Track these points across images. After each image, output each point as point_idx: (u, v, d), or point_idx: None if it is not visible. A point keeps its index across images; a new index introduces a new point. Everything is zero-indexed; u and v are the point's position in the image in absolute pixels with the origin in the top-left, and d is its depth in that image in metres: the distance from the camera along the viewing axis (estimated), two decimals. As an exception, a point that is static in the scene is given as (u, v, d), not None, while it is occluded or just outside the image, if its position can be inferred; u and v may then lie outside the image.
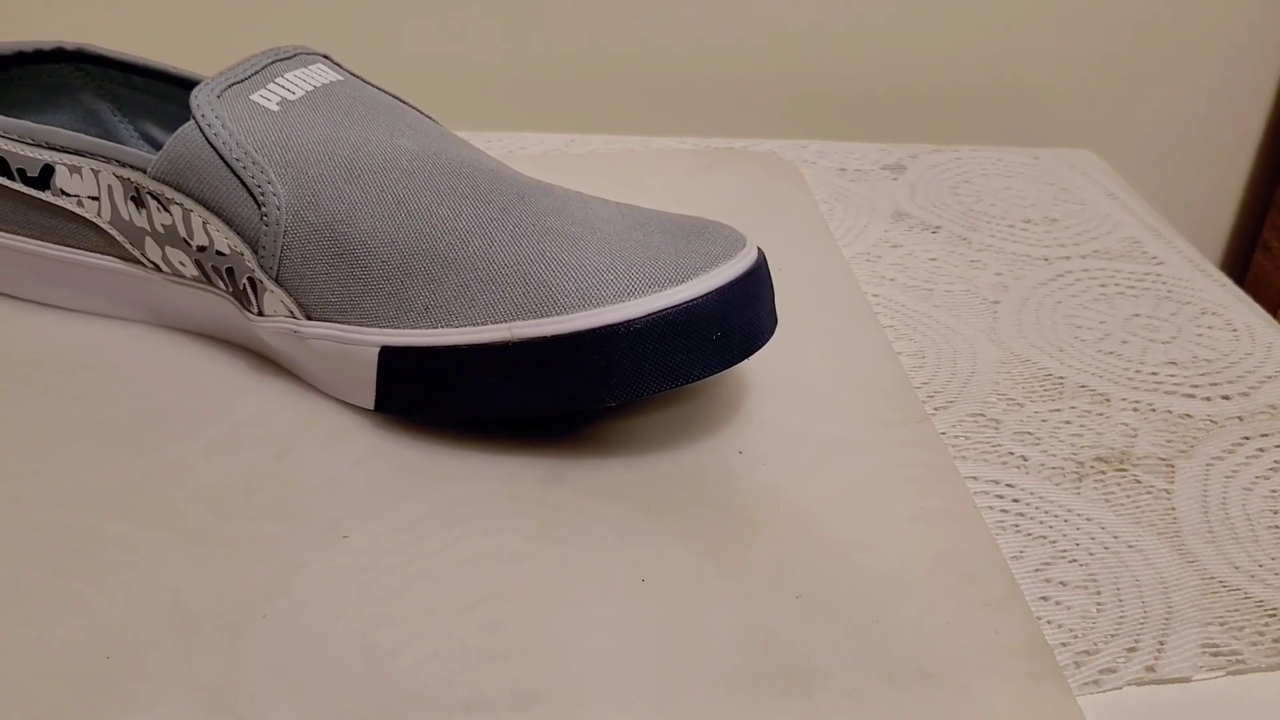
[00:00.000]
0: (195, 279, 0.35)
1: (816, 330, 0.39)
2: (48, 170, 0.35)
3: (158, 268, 0.36)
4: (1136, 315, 0.43)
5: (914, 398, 0.36)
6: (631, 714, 0.25)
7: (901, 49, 0.65)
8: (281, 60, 0.36)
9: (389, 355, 0.32)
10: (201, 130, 0.33)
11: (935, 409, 0.36)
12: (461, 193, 0.33)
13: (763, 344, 0.32)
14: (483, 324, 0.31)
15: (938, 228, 0.49)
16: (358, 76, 0.37)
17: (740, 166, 0.53)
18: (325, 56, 0.37)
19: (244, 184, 0.33)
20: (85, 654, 0.25)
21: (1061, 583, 0.29)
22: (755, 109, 0.66)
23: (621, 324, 0.30)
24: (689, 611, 0.27)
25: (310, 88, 0.35)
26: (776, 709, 0.25)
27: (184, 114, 0.42)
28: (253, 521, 0.30)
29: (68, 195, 0.36)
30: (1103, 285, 0.45)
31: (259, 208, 0.32)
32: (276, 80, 0.35)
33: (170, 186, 0.34)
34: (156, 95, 0.42)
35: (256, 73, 0.35)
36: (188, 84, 0.41)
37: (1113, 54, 0.67)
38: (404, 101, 0.37)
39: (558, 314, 0.30)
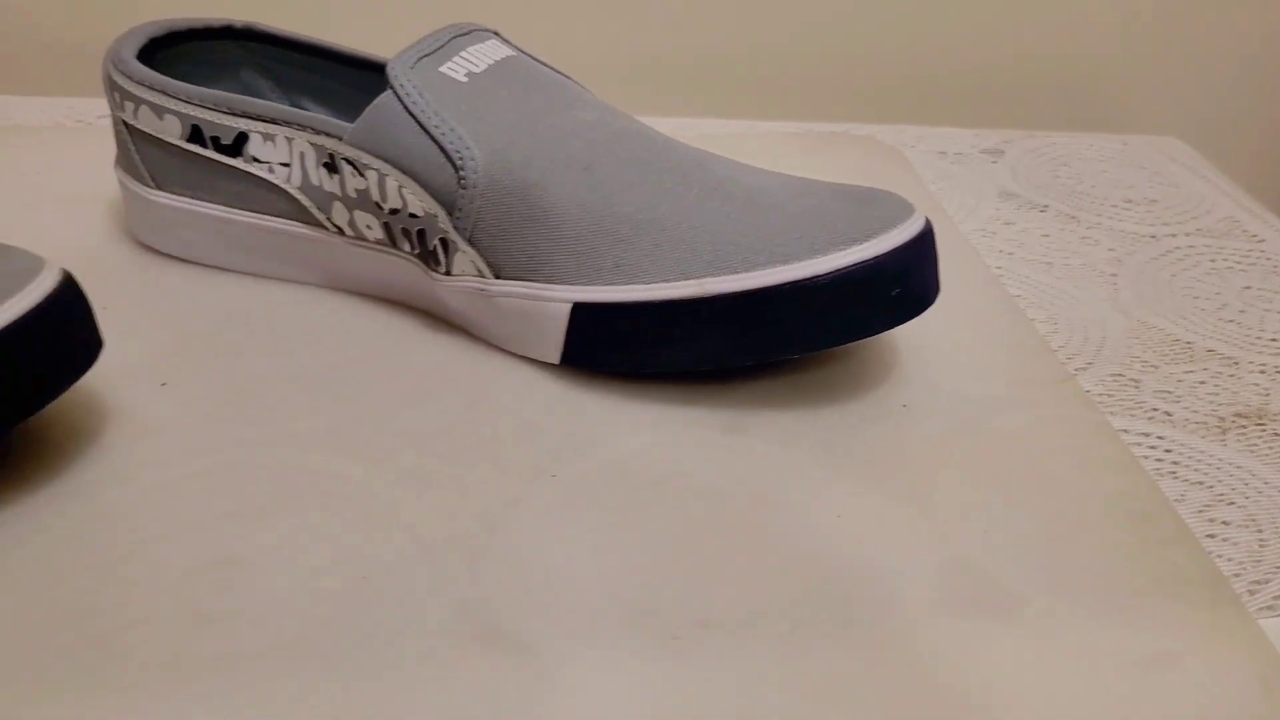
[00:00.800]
0: (379, 242, 0.37)
1: (953, 299, 0.41)
2: (241, 137, 0.37)
3: (340, 231, 0.38)
4: (1248, 288, 0.45)
5: (1056, 359, 0.38)
6: (850, 631, 0.26)
7: (984, 35, 0.67)
8: (461, 35, 0.38)
9: (580, 310, 0.34)
10: (400, 99, 0.35)
11: (1076, 370, 0.38)
12: (643, 160, 0.35)
13: (931, 303, 0.34)
14: (674, 280, 0.33)
15: (1045, 206, 0.51)
16: (524, 52, 0.39)
17: (846, 149, 0.55)
18: (495, 33, 0.39)
19: (443, 150, 0.35)
20: (339, 575, 0.27)
21: (1224, 522, 0.31)
22: (846, 94, 0.68)
23: (809, 279, 0.32)
24: (886, 545, 0.29)
25: (491, 61, 0.37)
26: (982, 631, 0.27)
27: (339, 89, 0.44)
28: (460, 462, 0.31)
29: (259, 162, 0.38)
30: (1211, 260, 0.47)
31: (457, 172, 0.34)
32: (460, 54, 0.37)
33: (367, 152, 0.36)
34: (312, 71, 0.44)
35: (441, 47, 0.37)
36: (343, 59, 0.43)
37: (1194, 40, 0.69)
38: (564, 75, 0.39)
39: (747, 270, 0.32)
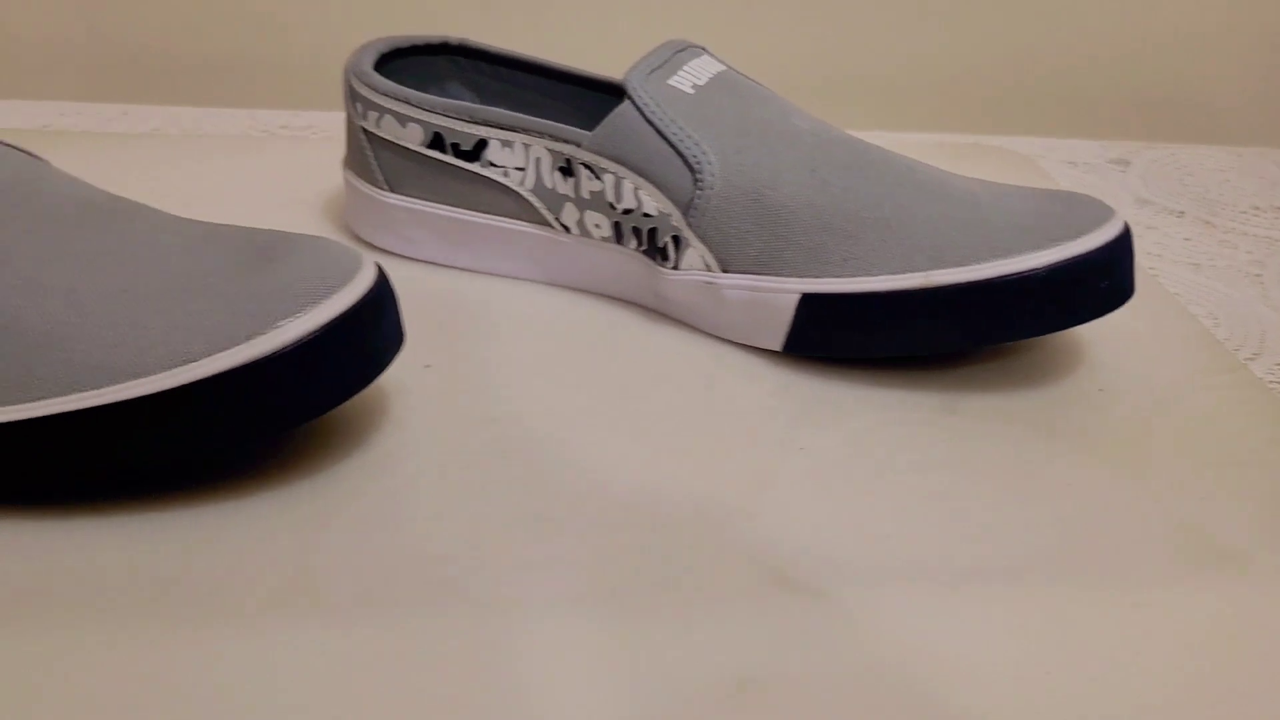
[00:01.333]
0: (605, 239, 0.41)
1: (1121, 294, 0.44)
2: (481, 144, 0.41)
3: (566, 229, 0.42)
4: (1387, 288, 0.48)
5: (1225, 349, 0.41)
6: (1094, 590, 0.30)
7: (1103, 50, 0.71)
8: (680, 51, 0.41)
9: (809, 301, 0.37)
10: (639, 109, 0.39)
11: (1244, 359, 0.41)
12: (860, 164, 0.38)
13: (1131, 296, 0.37)
14: (901, 273, 0.36)
15: (1181, 212, 0.54)
16: (731, 68, 0.43)
17: (983, 159, 0.58)
18: (705, 49, 0.43)
19: (681, 155, 0.38)
20: (633, 531, 0.30)
21: None
22: (973, 106, 0.71)
23: (1028, 272, 0.35)
24: (1114, 508, 0.32)
25: (710, 75, 0.41)
26: (1216, 583, 0.30)
27: (538, 99, 0.47)
28: (715, 435, 0.35)
29: (495, 166, 0.41)
30: (1347, 263, 0.50)
31: (694, 175, 0.38)
32: (683, 68, 0.40)
33: (605, 157, 0.39)
34: (514, 84, 0.48)
35: (666, 61, 0.40)
36: (544, 72, 0.47)
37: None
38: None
39: (971, 264, 0.36)
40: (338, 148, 0.54)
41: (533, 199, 0.41)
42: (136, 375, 0.28)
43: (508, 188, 0.42)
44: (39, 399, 0.28)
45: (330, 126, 0.59)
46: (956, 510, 0.32)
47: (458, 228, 0.43)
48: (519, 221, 0.42)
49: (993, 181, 0.40)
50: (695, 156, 0.38)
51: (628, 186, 0.39)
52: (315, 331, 0.29)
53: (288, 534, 0.29)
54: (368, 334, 0.31)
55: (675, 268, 0.39)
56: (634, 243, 0.40)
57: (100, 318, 0.29)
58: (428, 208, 0.43)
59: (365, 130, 0.43)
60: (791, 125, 0.39)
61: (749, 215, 0.38)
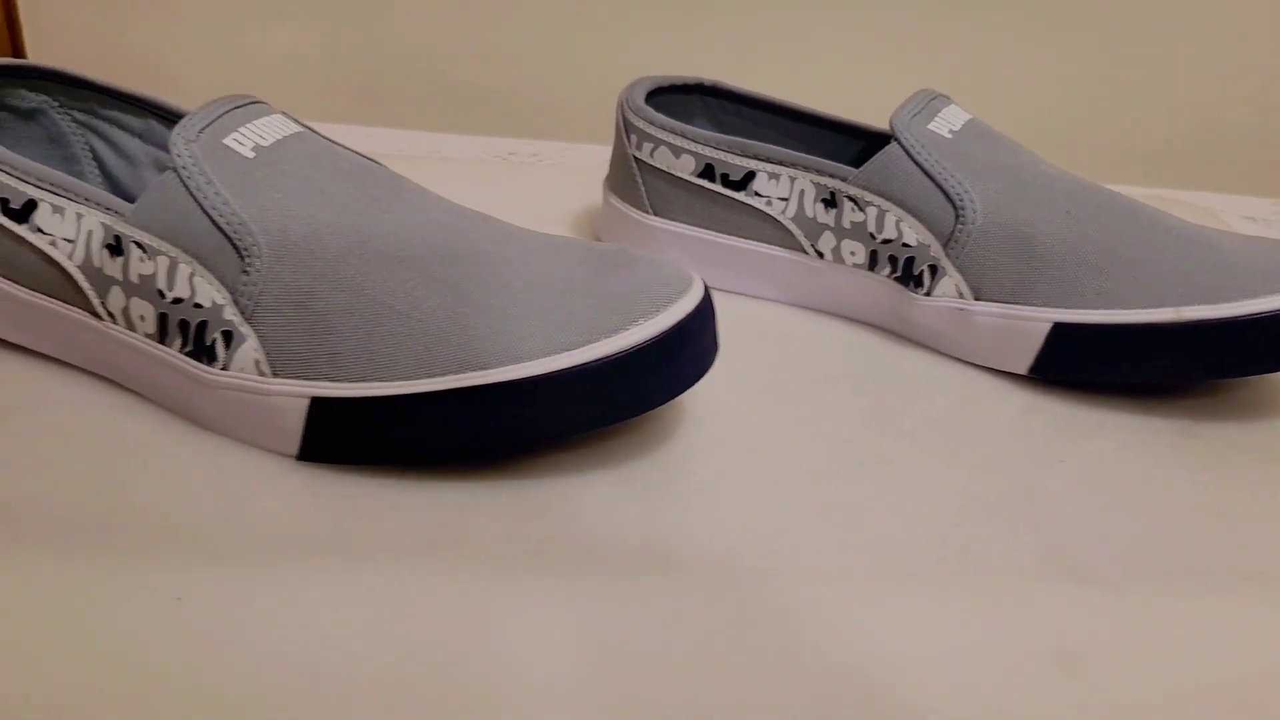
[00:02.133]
0: (858, 266, 0.45)
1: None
2: (749, 175, 0.46)
3: (820, 255, 0.46)
4: None
5: None
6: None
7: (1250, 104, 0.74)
8: (933, 100, 0.46)
9: (1061, 329, 0.41)
10: (906, 150, 0.43)
11: None
12: (1108, 206, 0.42)
13: None
14: (1153, 307, 0.40)
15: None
16: (975, 117, 0.47)
17: (1168, 209, 0.62)
18: (950, 99, 0.47)
19: (945, 193, 0.42)
20: (927, 524, 0.34)
21: None
22: (1150, 160, 0.75)
23: (1275, 312, 0.39)
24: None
25: (962, 122, 0.45)
26: None
27: (776, 138, 0.52)
28: (977, 444, 0.38)
29: (760, 196, 0.46)
30: None
31: (956, 210, 0.42)
32: (938, 115, 0.45)
33: (871, 191, 0.43)
34: (757, 124, 0.52)
35: (923, 108, 0.45)
36: (789, 113, 0.51)
37: None
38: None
39: (1219, 302, 0.39)
40: (566, 174, 0.59)
41: (792, 226, 0.46)
42: (520, 359, 0.33)
43: (769, 215, 0.46)
44: (436, 375, 0.33)
45: (554, 155, 0.65)
46: (1207, 524, 0.35)
47: (716, 250, 0.47)
48: (774, 247, 0.47)
49: (1226, 230, 0.44)
50: (959, 194, 0.42)
51: (890, 219, 0.43)
52: (667, 330, 0.33)
53: (636, 504, 0.34)
54: (700, 337, 0.35)
55: (928, 294, 0.43)
56: (887, 270, 0.44)
57: (484, 309, 0.34)
58: (690, 231, 0.48)
59: (637, 159, 0.48)
60: (1042, 171, 0.43)
61: (1006, 249, 0.42)
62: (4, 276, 0.37)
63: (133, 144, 0.43)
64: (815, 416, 0.39)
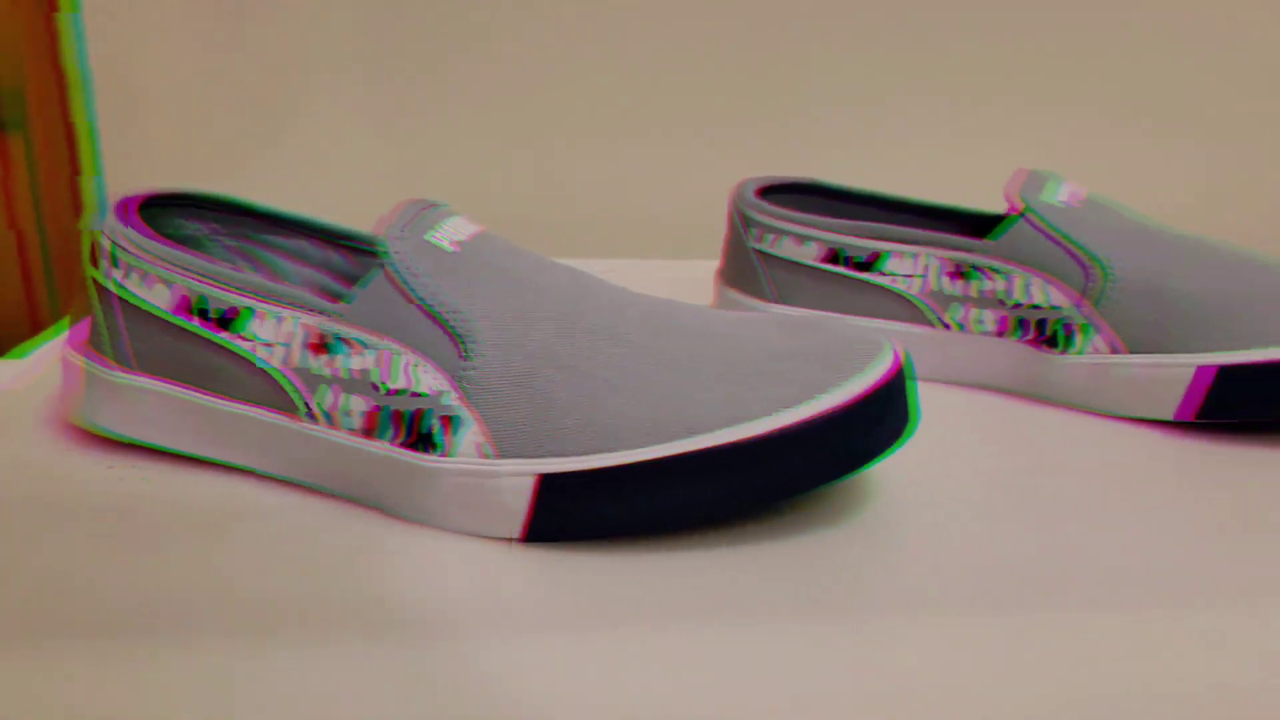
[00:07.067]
0: (986, 333, 0.47)
1: None
2: (875, 256, 0.48)
3: (946, 326, 0.48)
4: None
5: None
6: None
7: None
8: (1049, 177, 0.48)
9: (1217, 373, 0.42)
10: (1033, 223, 0.45)
11: None
12: (1233, 259, 0.45)
13: None
14: (1305, 343, 0.42)
15: None
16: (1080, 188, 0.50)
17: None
18: (1054, 173, 0.50)
19: (1077, 260, 0.44)
20: (1138, 552, 0.35)
21: None
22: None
23: None
24: None
25: (1078, 194, 0.48)
26: None
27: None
28: (1141, 494, 0.39)
29: (888, 275, 0.48)
30: None
31: (1086, 273, 0.44)
32: (1060, 186, 0.47)
33: (1002, 259, 0.46)
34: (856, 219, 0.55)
35: (1043, 184, 0.47)
36: (886, 205, 0.54)
37: None
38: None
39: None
40: (643, 288, 0.60)
41: (919, 301, 0.48)
42: (744, 419, 0.33)
43: (896, 292, 0.48)
44: (668, 440, 0.33)
45: (617, 270, 0.66)
46: None
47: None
48: (901, 322, 0.48)
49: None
50: (1091, 262, 0.44)
51: (1019, 283, 0.45)
52: (881, 381, 0.34)
53: (881, 552, 0.34)
54: (904, 390, 0.36)
55: (1068, 352, 0.45)
56: (1019, 333, 0.46)
57: (700, 376, 0.35)
58: (817, 314, 0.49)
59: (758, 250, 0.50)
60: (1164, 230, 0.46)
61: (1147, 304, 0.44)
62: (204, 389, 0.37)
63: (286, 265, 0.44)
64: (995, 469, 0.40)
